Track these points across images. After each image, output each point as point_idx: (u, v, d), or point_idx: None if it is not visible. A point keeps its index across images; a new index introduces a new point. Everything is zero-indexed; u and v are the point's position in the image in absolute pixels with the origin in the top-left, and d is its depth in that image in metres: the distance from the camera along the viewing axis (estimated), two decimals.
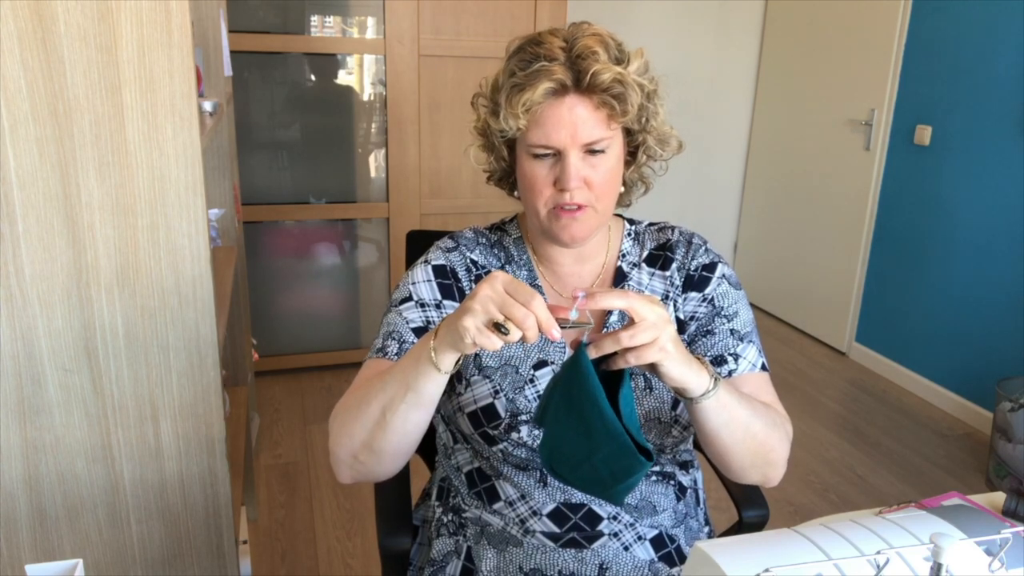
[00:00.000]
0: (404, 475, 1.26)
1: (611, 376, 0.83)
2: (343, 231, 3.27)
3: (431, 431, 1.23)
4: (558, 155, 0.98)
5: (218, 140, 1.95)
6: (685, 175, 4.22)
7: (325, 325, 3.32)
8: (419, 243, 1.36)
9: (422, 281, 1.09)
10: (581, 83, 0.94)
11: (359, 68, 3.11)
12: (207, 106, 1.60)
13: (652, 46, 3.95)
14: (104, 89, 1.10)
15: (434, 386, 0.89)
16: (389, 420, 0.92)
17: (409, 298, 1.08)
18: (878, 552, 0.64)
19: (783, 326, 4.08)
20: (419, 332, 1.05)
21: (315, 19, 2.99)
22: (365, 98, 3.14)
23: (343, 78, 3.12)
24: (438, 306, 1.07)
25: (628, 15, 3.85)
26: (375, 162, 3.21)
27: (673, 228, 1.15)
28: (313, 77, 3.10)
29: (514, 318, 0.77)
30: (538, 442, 1.03)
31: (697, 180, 4.27)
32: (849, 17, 3.54)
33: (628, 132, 1.02)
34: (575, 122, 0.95)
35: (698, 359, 0.90)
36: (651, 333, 0.81)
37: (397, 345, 1.04)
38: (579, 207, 0.99)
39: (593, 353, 0.82)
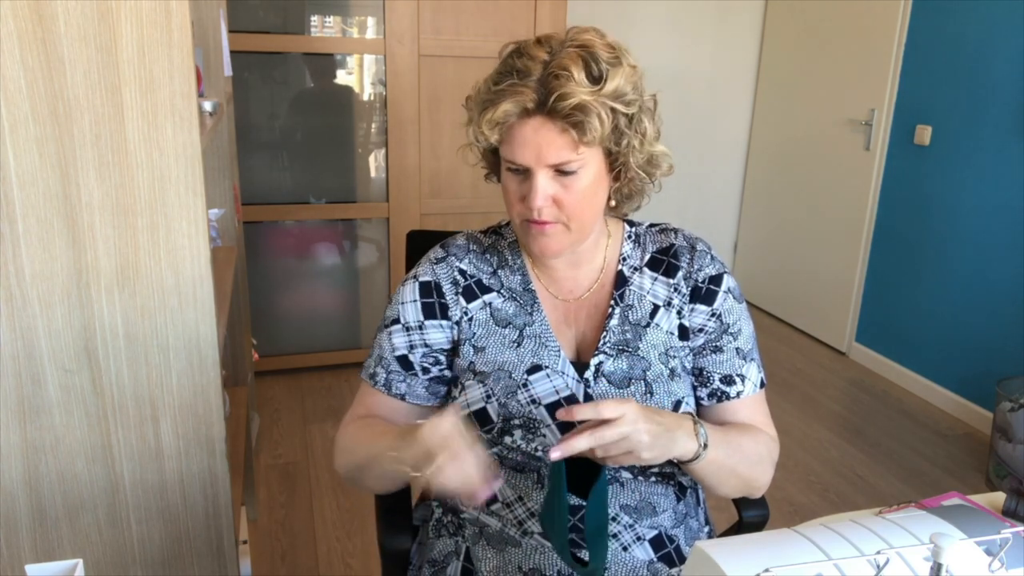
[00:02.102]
0: None
1: (592, 465, 0.90)
2: (343, 231, 3.27)
3: None
4: (528, 171, 0.97)
5: (218, 140, 1.95)
6: (685, 175, 4.21)
7: (325, 325, 3.32)
8: (419, 243, 1.36)
9: (409, 301, 1.11)
10: (547, 104, 0.92)
11: (359, 68, 3.11)
12: (207, 106, 1.60)
13: (652, 46, 3.94)
14: (104, 89, 1.10)
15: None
16: (375, 485, 1.08)
17: (397, 320, 1.11)
18: (878, 552, 0.64)
19: (783, 326, 4.08)
20: (401, 360, 1.10)
21: (315, 19, 2.99)
22: (365, 98, 3.14)
23: (343, 78, 3.12)
24: (420, 328, 1.10)
25: (628, 15, 3.85)
26: (375, 162, 3.21)
27: (676, 231, 1.14)
28: (313, 77, 3.10)
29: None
30: (531, 446, 1.04)
31: (697, 180, 4.27)
32: (849, 17, 3.54)
33: (610, 151, 0.99)
34: (540, 143, 0.94)
35: (691, 417, 0.94)
36: (624, 447, 0.86)
37: (385, 374, 1.11)
38: (548, 223, 0.98)
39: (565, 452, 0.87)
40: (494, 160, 1.06)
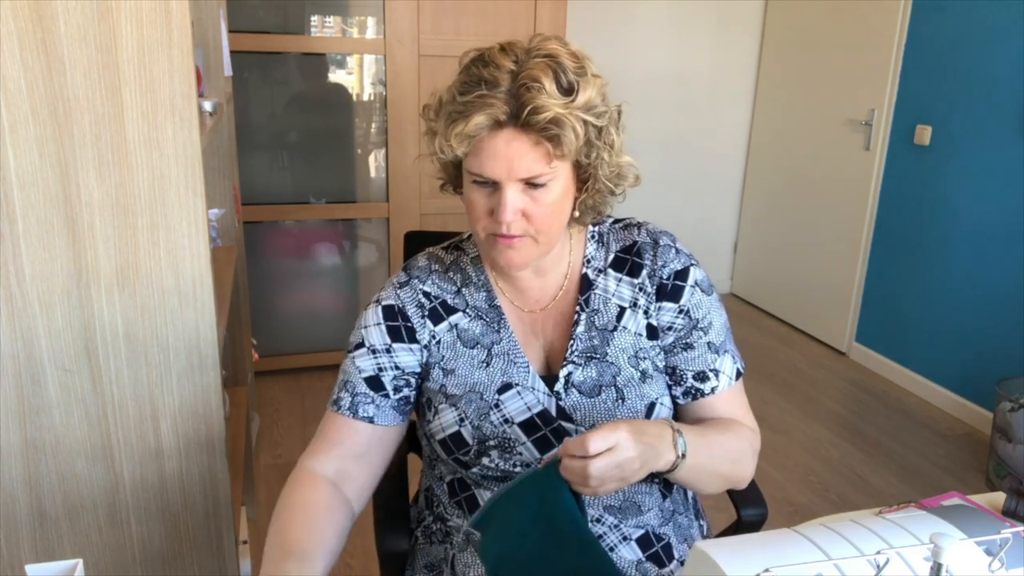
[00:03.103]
0: (402, 476, 1.26)
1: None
2: (343, 231, 3.27)
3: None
4: (497, 184, 0.94)
5: (218, 140, 1.95)
6: (685, 175, 4.22)
7: (325, 325, 3.32)
8: (418, 243, 1.35)
9: (372, 325, 1.07)
10: (520, 117, 0.89)
11: (359, 68, 3.11)
12: (207, 106, 1.60)
13: (652, 46, 3.93)
14: (104, 89, 1.10)
15: None
16: None
17: (362, 344, 1.07)
18: (878, 552, 0.64)
19: (783, 326, 4.08)
20: (370, 381, 1.05)
21: (315, 19, 2.99)
22: (365, 98, 3.14)
23: (343, 78, 3.12)
24: (388, 351, 1.06)
25: (628, 15, 3.85)
26: (375, 162, 3.21)
27: (639, 226, 1.11)
28: (313, 77, 3.10)
29: None
30: (509, 463, 1.03)
31: (697, 180, 4.27)
32: (849, 17, 3.54)
33: (579, 163, 0.98)
34: (511, 156, 0.91)
35: (670, 426, 0.94)
36: (617, 475, 0.86)
37: (350, 397, 1.05)
38: (516, 236, 0.96)
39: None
40: (455, 173, 1.03)
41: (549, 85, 0.89)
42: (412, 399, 1.11)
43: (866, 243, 3.53)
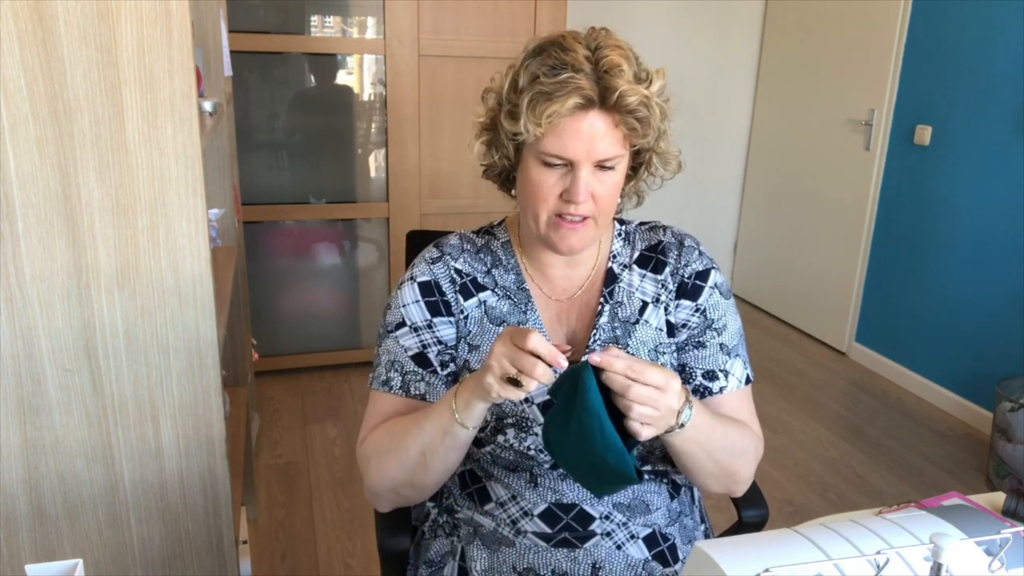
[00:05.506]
0: None
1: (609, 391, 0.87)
2: (343, 231, 3.27)
3: None
4: (569, 166, 0.97)
5: (218, 140, 1.95)
6: (685, 175, 4.17)
7: (325, 325, 3.32)
8: (419, 243, 1.36)
9: (411, 303, 1.09)
10: (607, 100, 0.93)
11: (359, 68, 3.11)
12: (207, 106, 1.60)
13: (652, 46, 3.92)
14: (104, 89, 1.10)
15: (468, 434, 0.95)
16: (430, 461, 0.98)
17: (403, 323, 1.09)
18: (878, 552, 0.64)
19: (783, 326, 4.08)
20: (417, 359, 1.07)
21: (315, 19, 2.99)
22: (365, 98, 3.14)
23: (343, 78, 3.12)
24: (429, 326, 1.08)
25: (628, 15, 3.85)
26: (375, 162, 3.21)
27: (665, 228, 1.15)
28: (313, 77, 3.10)
29: (523, 368, 0.83)
30: (524, 444, 1.04)
31: (697, 180, 4.27)
32: (849, 17, 3.54)
33: (637, 150, 1.03)
34: (593, 137, 0.94)
35: (686, 397, 0.93)
36: (648, 413, 0.85)
37: (400, 377, 1.07)
38: (582, 219, 0.99)
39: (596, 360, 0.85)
40: (514, 156, 1.03)
41: (628, 72, 0.93)
42: (458, 377, 1.11)
43: (866, 243, 3.53)
